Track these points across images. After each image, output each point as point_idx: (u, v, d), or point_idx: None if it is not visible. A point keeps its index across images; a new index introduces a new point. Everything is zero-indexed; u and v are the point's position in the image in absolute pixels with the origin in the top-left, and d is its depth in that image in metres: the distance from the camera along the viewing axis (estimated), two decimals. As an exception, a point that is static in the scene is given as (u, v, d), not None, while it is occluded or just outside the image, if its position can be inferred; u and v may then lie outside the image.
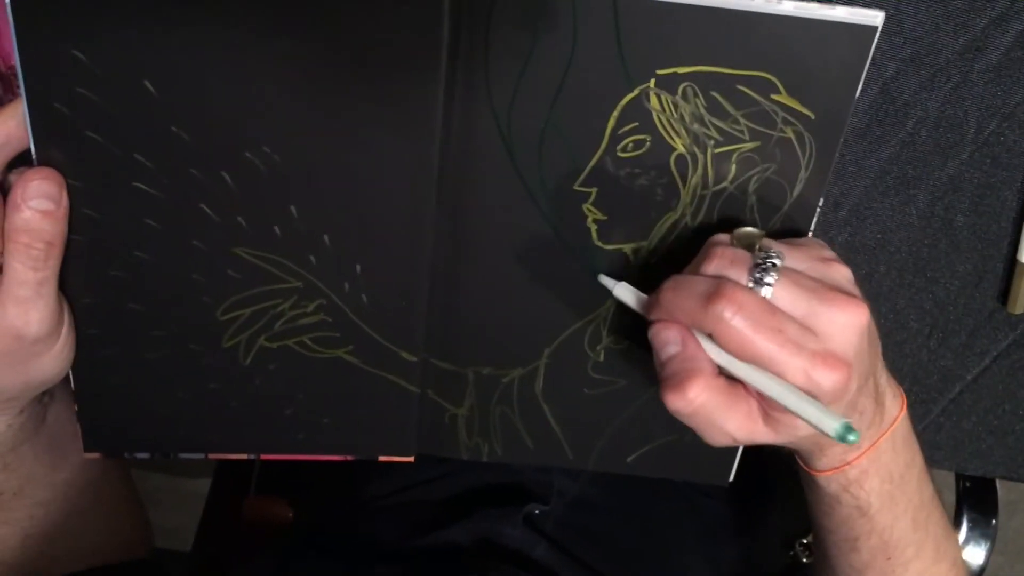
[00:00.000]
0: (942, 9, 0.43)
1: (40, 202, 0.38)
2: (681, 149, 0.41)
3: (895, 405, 0.45)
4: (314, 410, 0.47)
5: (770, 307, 0.37)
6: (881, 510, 0.47)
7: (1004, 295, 0.53)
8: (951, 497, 0.74)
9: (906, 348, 0.57)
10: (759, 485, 0.66)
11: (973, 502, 0.73)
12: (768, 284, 0.37)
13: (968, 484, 0.74)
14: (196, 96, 0.38)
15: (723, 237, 0.41)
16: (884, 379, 0.44)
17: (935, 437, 0.60)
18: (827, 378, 0.37)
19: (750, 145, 0.41)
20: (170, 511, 0.81)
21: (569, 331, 0.46)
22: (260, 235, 0.42)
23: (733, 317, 0.36)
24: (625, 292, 0.43)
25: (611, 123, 0.41)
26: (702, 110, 0.40)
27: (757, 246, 0.39)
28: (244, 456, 0.48)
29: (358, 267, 0.43)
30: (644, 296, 0.42)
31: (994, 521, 0.74)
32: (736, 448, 0.49)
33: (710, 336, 0.38)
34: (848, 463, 0.44)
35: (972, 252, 0.52)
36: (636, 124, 0.41)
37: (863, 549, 0.49)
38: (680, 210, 0.43)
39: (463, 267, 0.44)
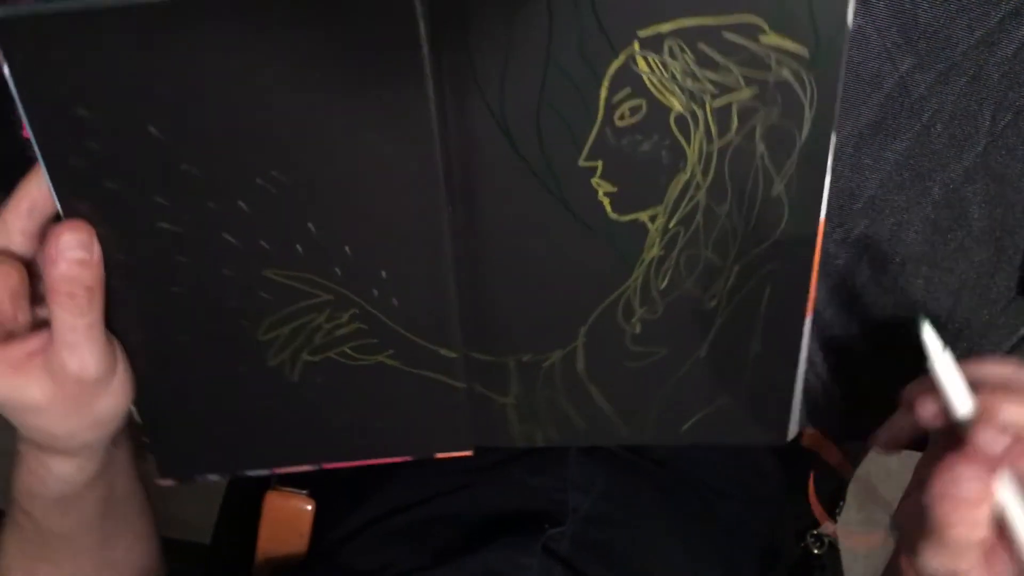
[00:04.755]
0: (957, 3, 0.43)
1: (75, 252, 0.41)
2: (679, 108, 0.40)
3: None
4: (366, 416, 0.48)
5: None
6: None
7: (1020, 285, 0.53)
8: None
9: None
10: (774, 481, 0.64)
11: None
12: None
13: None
14: (200, 133, 0.40)
15: None
16: None
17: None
18: None
19: (748, 92, 0.40)
20: (187, 502, 0.80)
21: (601, 307, 0.46)
22: (284, 255, 0.43)
23: None
24: (947, 368, 0.39)
25: (603, 93, 0.40)
26: (692, 65, 0.39)
27: None
28: (308, 467, 0.50)
29: (383, 272, 0.44)
30: (964, 393, 0.38)
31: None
32: (791, 400, 0.48)
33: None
34: None
35: (987, 243, 0.51)
36: (629, 90, 0.40)
37: None
38: (690, 170, 0.42)
39: (486, 258, 0.44)
